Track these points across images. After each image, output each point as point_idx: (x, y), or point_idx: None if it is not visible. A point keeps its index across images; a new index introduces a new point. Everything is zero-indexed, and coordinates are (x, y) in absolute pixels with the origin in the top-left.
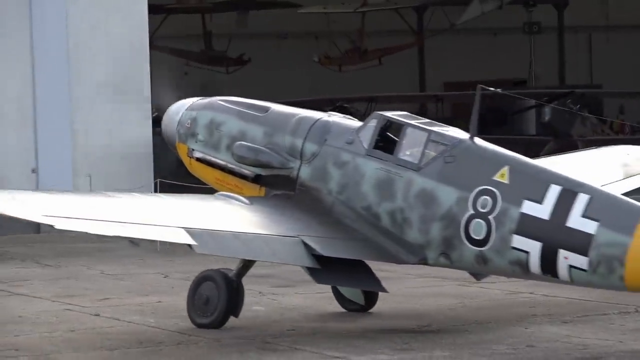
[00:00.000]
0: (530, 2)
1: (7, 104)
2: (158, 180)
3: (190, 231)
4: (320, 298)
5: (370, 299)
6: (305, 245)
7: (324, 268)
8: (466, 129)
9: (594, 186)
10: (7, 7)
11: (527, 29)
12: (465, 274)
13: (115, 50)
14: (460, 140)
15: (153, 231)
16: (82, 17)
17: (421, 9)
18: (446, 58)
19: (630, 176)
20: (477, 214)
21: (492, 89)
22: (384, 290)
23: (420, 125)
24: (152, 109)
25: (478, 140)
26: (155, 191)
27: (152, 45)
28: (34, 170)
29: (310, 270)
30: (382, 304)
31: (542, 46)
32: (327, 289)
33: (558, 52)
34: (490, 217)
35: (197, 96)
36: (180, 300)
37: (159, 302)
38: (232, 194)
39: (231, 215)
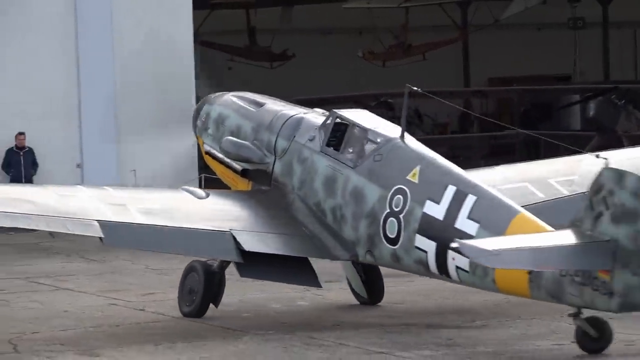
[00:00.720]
0: None
1: (53, 101)
2: (202, 175)
3: (102, 224)
4: None
5: (373, 292)
6: (235, 240)
7: (249, 262)
8: (510, 124)
9: (484, 187)
10: (52, 5)
11: (571, 24)
12: None
13: (160, 46)
14: (388, 139)
15: (61, 224)
16: (127, 13)
17: (465, 4)
18: (490, 53)
19: None
20: (392, 213)
21: (415, 88)
22: (318, 285)
23: (360, 124)
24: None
25: (408, 140)
26: (200, 186)
27: (197, 41)
28: (78, 165)
29: (236, 264)
30: (426, 299)
31: (587, 41)
32: None
33: (602, 48)
34: (401, 216)
35: (241, 91)
36: (223, 296)
37: None
38: (192, 188)
39: (168, 209)
